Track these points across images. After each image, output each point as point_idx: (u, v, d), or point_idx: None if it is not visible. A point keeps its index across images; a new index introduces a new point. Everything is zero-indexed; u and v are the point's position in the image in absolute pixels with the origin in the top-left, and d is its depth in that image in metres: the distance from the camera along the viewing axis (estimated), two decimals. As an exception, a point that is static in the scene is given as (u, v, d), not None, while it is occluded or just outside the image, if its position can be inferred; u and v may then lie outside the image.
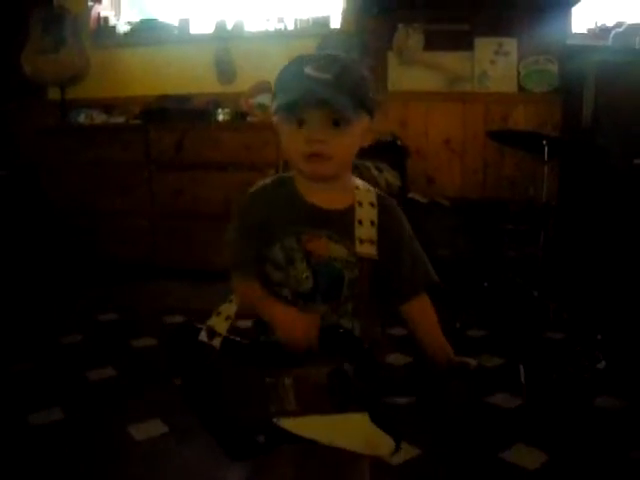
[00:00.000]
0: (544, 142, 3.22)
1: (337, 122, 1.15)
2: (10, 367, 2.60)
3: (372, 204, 1.25)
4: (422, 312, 1.29)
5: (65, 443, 2.00)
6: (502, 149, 3.94)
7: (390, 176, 3.80)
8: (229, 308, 1.31)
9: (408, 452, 1.95)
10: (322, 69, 1.14)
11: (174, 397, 2.14)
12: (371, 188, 1.28)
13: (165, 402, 2.22)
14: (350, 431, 1.18)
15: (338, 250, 1.22)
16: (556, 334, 3.01)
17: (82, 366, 2.60)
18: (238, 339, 1.28)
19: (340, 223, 1.22)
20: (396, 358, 2.44)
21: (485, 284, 3.39)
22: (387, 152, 3.85)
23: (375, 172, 3.74)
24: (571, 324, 3.10)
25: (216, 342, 1.28)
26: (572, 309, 3.24)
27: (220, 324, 1.29)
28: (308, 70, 1.15)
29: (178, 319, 3.18)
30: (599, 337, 1.09)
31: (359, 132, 1.19)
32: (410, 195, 3.86)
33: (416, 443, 2.00)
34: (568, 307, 3.24)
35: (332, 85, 1.12)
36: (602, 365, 1.07)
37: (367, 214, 1.23)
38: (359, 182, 1.28)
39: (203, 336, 1.29)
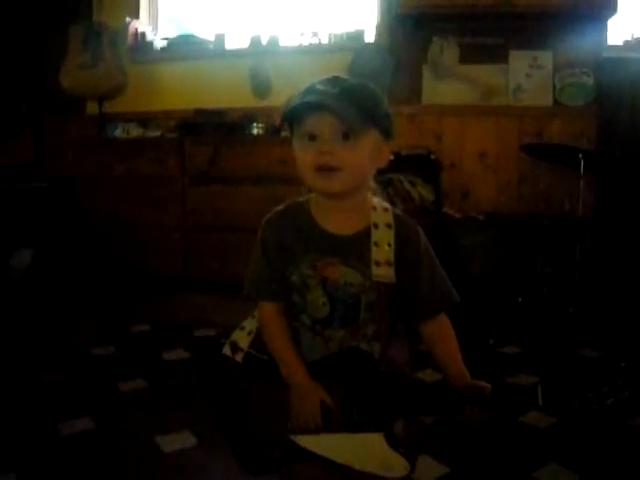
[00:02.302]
0: (580, 156, 3.19)
1: (347, 135, 1.16)
2: (42, 377, 2.63)
3: (389, 225, 1.25)
4: (440, 333, 1.28)
5: (94, 453, 2.01)
6: (537, 163, 3.89)
7: (424, 190, 3.81)
8: (252, 323, 1.34)
9: (437, 470, 1.93)
10: (330, 84, 1.18)
11: (204, 410, 2.15)
12: (389, 207, 1.28)
13: (195, 414, 2.22)
14: (366, 451, 1.18)
15: (353, 275, 1.22)
16: (591, 352, 2.96)
17: (113, 377, 2.62)
18: (260, 355, 1.29)
19: (355, 247, 1.23)
20: (428, 374, 2.42)
21: (520, 300, 3.34)
22: (421, 166, 3.83)
23: (409, 186, 3.77)
24: (607, 342, 3.04)
25: (238, 357, 1.30)
26: (608, 326, 3.17)
27: (243, 339, 1.32)
28: (315, 85, 1.19)
29: (210, 332, 3.19)
30: (623, 365, 1.07)
31: (370, 148, 1.20)
32: (444, 210, 3.83)
33: (445, 461, 1.97)
34: (604, 324, 3.17)
35: (338, 96, 1.15)
36: (625, 394, 1.06)
37: (383, 236, 1.23)
38: (376, 202, 1.28)
39: (227, 350, 1.30)
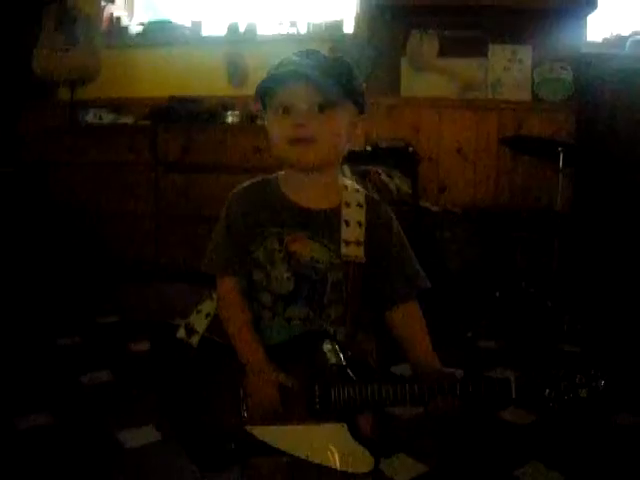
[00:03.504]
0: (559, 149, 3.15)
1: (322, 108, 1.14)
2: (3, 367, 2.53)
3: (360, 205, 1.21)
4: (409, 320, 1.23)
5: (51, 449, 1.93)
6: (515, 157, 3.87)
7: (401, 183, 3.76)
8: (209, 305, 1.27)
9: (414, 469, 1.87)
10: (305, 56, 1.17)
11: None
12: (360, 189, 1.25)
13: (160, 409, 2.14)
14: (327, 444, 1.11)
15: (321, 251, 1.17)
16: (571, 346, 2.92)
17: (77, 369, 2.53)
18: (217, 339, 1.22)
19: (324, 223, 1.19)
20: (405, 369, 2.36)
21: (497, 294, 3.30)
22: (399, 159, 3.79)
23: (386, 178, 3.72)
24: (586, 336, 3.01)
25: (194, 340, 1.24)
26: (587, 320, 3.15)
27: (199, 322, 1.26)
28: (291, 57, 1.17)
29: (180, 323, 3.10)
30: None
31: (345, 121, 1.18)
32: (421, 203, 3.79)
33: (422, 459, 1.92)
34: (583, 318, 3.14)
35: (315, 67, 1.14)
36: (601, 385, 1.04)
37: (354, 215, 1.20)
38: (348, 182, 1.25)
39: (181, 333, 1.24)
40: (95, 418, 2.14)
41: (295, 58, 1.16)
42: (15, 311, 3.26)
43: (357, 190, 1.24)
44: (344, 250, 1.16)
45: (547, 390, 1.05)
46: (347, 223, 1.18)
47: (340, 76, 1.15)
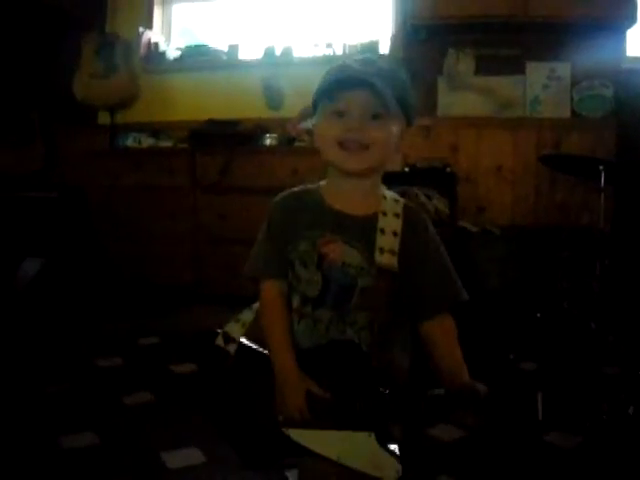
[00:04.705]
0: (601, 167, 3.09)
1: (376, 116, 1.16)
2: (47, 388, 2.56)
3: (397, 215, 1.22)
4: (442, 333, 1.22)
5: (96, 468, 1.94)
6: (555, 176, 3.81)
7: (439, 203, 3.73)
8: (248, 315, 1.31)
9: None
10: (364, 63, 1.18)
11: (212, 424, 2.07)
12: (400, 199, 1.26)
13: (204, 430, 2.13)
14: (356, 449, 1.11)
15: (354, 256, 1.19)
16: (614, 369, 2.85)
17: (119, 390, 2.55)
18: (253, 346, 1.27)
19: (360, 229, 1.20)
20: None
21: (538, 315, 3.24)
22: (437, 179, 3.76)
23: (424, 199, 3.70)
24: (629, 358, 2.93)
25: (231, 348, 1.28)
26: (631, 342, 3.07)
27: (237, 330, 1.30)
28: (350, 63, 1.19)
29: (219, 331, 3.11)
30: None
31: (396, 132, 1.19)
32: (460, 223, 3.75)
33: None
34: (627, 340, 3.07)
35: (377, 76, 1.14)
36: (630, 410, 1.03)
37: (391, 224, 1.21)
38: (387, 193, 1.26)
39: (219, 341, 1.28)
40: (139, 438, 2.15)
41: (357, 65, 1.18)
42: (57, 333, 3.31)
43: (396, 200, 1.25)
44: (378, 258, 1.17)
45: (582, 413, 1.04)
46: (382, 231, 1.19)
47: (397, 86, 1.17)
